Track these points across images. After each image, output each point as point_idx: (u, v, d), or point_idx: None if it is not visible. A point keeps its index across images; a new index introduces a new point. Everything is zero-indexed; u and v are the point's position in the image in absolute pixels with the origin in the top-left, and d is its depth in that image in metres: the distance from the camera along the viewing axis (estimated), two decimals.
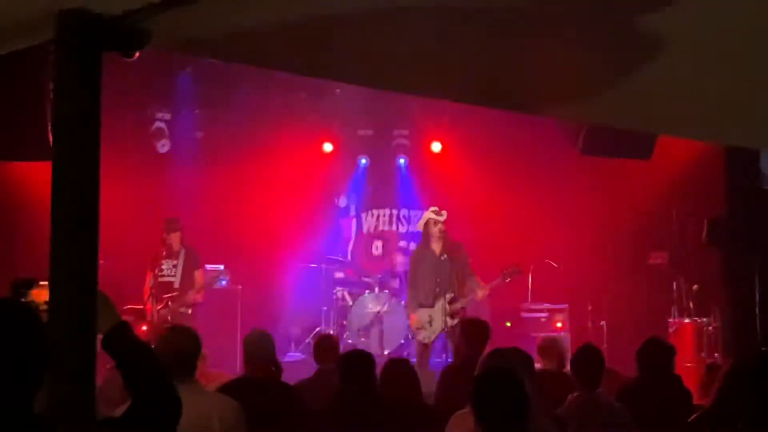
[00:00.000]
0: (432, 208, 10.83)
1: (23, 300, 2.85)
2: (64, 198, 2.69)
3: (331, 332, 11.84)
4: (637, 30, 3.24)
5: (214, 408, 4.75)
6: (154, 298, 10.79)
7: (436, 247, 10.60)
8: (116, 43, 2.70)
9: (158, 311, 10.71)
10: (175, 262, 11.03)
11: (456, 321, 9.99)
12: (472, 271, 10.71)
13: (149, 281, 10.95)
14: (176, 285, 10.94)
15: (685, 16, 3.09)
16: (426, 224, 10.78)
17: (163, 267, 10.99)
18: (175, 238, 11.05)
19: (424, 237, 10.88)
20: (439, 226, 10.57)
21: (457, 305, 10.39)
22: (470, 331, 7.61)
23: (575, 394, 5.67)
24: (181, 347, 4.74)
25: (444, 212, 10.70)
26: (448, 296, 10.37)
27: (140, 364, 2.88)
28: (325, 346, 7.17)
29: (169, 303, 10.80)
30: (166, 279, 10.98)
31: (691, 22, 3.15)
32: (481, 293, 10.46)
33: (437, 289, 10.45)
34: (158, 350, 4.57)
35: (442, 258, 10.49)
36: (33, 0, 2.62)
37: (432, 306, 10.43)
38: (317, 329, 12.33)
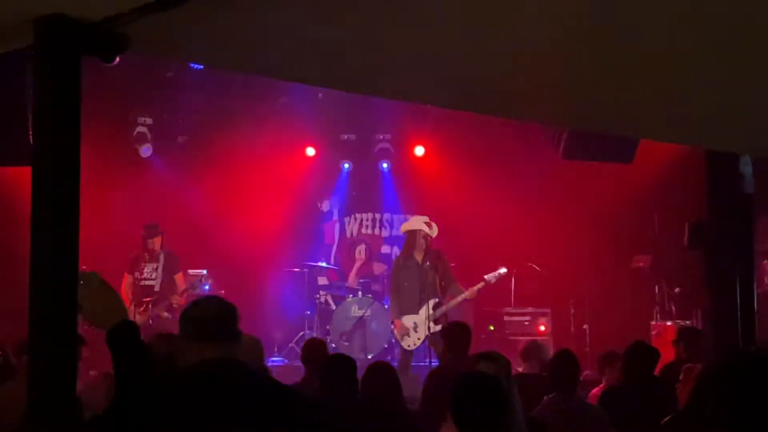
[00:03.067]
0: (423, 219, 10.81)
1: None
2: (44, 202, 2.69)
3: (315, 335, 11.86)
4: (619, 35, 3.25)
5: None
6: (134, 301, 10.77)
7: (419, 255, 10.61)
8: (95, 48, 2.70)
9: (139, 314, 10.69)
10: (155, 265, 11.04)
11: (439, 327, 9.99)
12: (454, 278, 10.73)
13: (125, 284, 10.94)
14: (156, 288, 10.95)
15: (667, 23, 3.10)
16: (413, 233, 10.76)
17: (144, 270, 10.99)
18: (156, 242, 11.07)
19: (407, 244, 10.85)
20: (428, 239, 10.59)
21: (441, 311, 10.41)
22: (452, 335, 7.62)
23: (550, 396, 5.71)
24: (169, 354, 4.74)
25: (435, 226, 10.70)
26: (432, 302, 10.37)
27: (137, 366, 2.87)
28: (313, 350, 7.15)
29: (150, 306, 10.79)
30: (146, 282, 10.99)
31: (673, 29, 3.17)
32: (468, 294, 10.48)
33: (421, 296, 10.46)
34: None
35: (425, 265, 10.50)
36: (11, 5, 2.62)
37: (416, 313, 10.44)
38: (300, 334, 12.31)
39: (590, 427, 5.59)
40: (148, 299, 10.83)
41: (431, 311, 10.30)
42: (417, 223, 10.83)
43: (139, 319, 10.63)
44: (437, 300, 10.46)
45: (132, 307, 10.71)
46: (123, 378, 2.87)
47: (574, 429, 5.49)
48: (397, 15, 3.02)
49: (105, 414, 2.83)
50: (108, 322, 2.86)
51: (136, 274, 11.00)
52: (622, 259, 12.50)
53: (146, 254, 11.10)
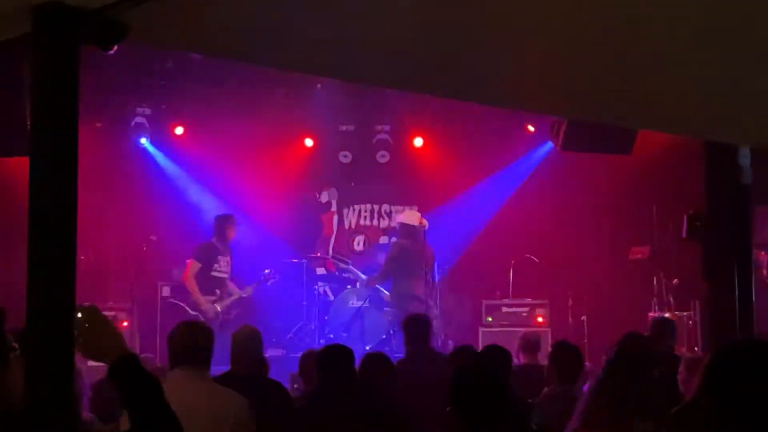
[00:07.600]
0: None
1: None
2: (41, 192, 2.67)
3: (313, 326, 11.89)
4: (618, 25, 3.25)
5: (229, 405, 4.74)
6: (203, 291, 10.80)
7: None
8: (93, 36, 2.68)
9: (212, 303, 10.78)
10: (228, 258, 11.12)
11: None
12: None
13: (192, 271, 10.92)
14: (228, 281, 11.15)
15: (665, 13, 3.10)
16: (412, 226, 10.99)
17: (221, 262, 11.03)
18: (232, 233, 11.24)
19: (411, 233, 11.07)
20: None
21: None
22: (411, 329, 7.62)
23: (550, 387, 5.71)
24: (196, 340, 4.74)
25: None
26: None
27: (146, 396, 2.83)
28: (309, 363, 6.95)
29: (222, 298, 10.98)
30: (220, 275, 11.07)
31: (671, 19, 3.16)
32: None
33: None
34: (173, 342, 4.70)
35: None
36: None
37: None
38: (299, 324, 12.32)
39: None
40: (218, 291, 10.95)
41: None
42: (415, 215, 11.03)
43: (209, 309, 10.67)
44: None
45: (201, 297, 10.75)
46: (135, 413, 2.83)
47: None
48: (396, 3, 3.01)
49: None
50: (106, 356, 2.82)
51: (215, 265, 10.97)
52: (620, 250, 12.50)
53: (220, 245, 11.13)
